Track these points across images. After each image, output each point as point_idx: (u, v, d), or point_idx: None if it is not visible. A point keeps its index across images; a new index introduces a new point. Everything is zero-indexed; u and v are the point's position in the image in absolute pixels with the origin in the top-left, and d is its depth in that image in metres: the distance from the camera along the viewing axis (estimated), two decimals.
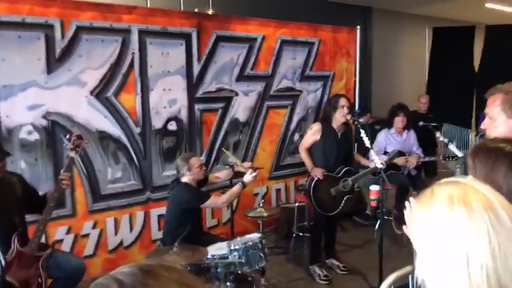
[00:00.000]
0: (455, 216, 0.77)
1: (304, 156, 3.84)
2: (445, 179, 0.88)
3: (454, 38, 8.63)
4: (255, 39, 4.63)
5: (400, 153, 4.52)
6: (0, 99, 3.22)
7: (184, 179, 3.33)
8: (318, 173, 3.69)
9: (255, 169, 3.39)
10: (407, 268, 1.99)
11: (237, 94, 4.56)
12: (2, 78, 3.21)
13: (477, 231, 0.75)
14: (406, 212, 1.22)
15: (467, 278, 0.75)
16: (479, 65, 8.44)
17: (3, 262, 1.91)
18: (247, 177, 3.34)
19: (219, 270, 2.96)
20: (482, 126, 1.67)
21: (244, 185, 3.36)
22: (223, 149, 4.17)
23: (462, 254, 0.76)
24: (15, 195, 2.58)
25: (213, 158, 4.46)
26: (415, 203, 0.87)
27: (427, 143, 5.15)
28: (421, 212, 0.84)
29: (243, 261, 2.94)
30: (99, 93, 3.66)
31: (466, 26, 9.04)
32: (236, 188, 3.35)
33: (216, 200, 3.35)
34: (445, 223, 0.78)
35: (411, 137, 4.85)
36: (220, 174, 3.76)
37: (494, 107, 1.58)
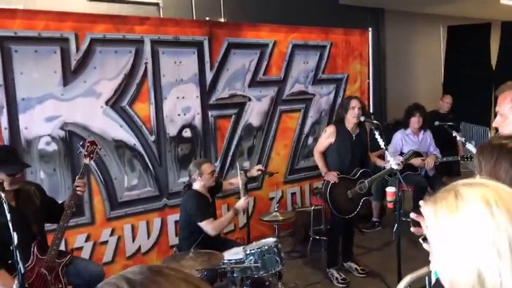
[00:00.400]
0: (495, 219, 0.76)
1: (318, 159, 3.83)
2: (463, 181, 0.87)
3: (469, 35, 8.51)
4: (266, 45, 4.66)
5: (416, 154, 4.47)
6: (19, 112, 3.32)
7: (195, 185, 3.36)
8: (332, 177, 3.67)
9: (263, 174, 3.37)
10: (424, 270, 1.97)
11: (249, 99, 4.58)
12: (21, 92, 3.31)
13: None
14: (421, 214, 1.20)
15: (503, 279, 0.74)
16: (496, 62, 8.29)
17: (23, 270, 1.96)
18: (240, 204, 3.30)
19: (235, 274, 2.98)
20: (494, 125, 1.66)
21: (236, 212, 3.32)
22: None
23: (508, 255, 0.75)
24: (34, 204, 2.65)
25: (227, 164, 4.49)
26: (436, 206, 0.85)
27: (447, 143, 5.07)
28: (448, 215, 0.82)
29: (259, 265, 2.94)
30: (114, 103, 3.74)
31: (481, 23, 8.90)
32: (229, 215, 3.33)
33: (208, 227, 3.25)
34: (485, 226, 0.77)
35: (428, 137, 4.79)
36: (234, 181, 3.77)
37: (505, 105, 1.57)
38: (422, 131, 4.76)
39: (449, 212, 0.81)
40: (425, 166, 4.54)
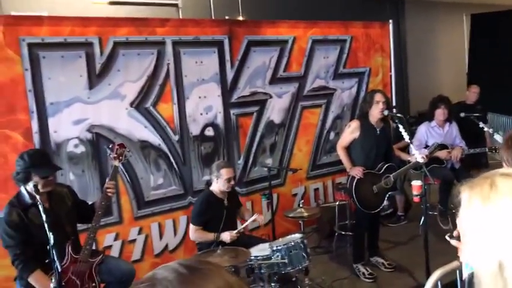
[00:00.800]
0: None
1: (342, 154, 3.81)
2: (502, 170, 0.87)
3: (493, 23, 8.27)
4: (286, 41, 4.66)
5: (442, 146, 4.40)
6: (48, 116, 3.42)
7: (213, 185, 3.42)
8: (357, 172, 3.64)
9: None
10: (454, 263, 1.94)
11: (271, 97, 4.59)
12: (49, 96, 3.41)
13: None
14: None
15: None
16: None
17: (59, 268, 2.03)
18: (224, 236, 3.23)
19: (262, 271, 3.01)
20: None
21: (217, 238, 3.25)
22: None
23: None
24: (66, 206, 2.74)
25: (250, 161, 4.52)
26: (470, 192, 0.85)
27: (474, 134, 4.96)
28: (480, 203, 0.82)
29: (286, 261, 2.96)
30: (139, 104, 3.81)
31: (505, 10, 8.64)
32: (210, 236, 3.28)
33: (191, 231, 3.37)
34: None
35: (453, 129, 4.70)
36: (246, 216, 3.63)
37: None
38: (448, 123, 4.67)
39: (482, 201, 0.82)
40: (451, 159, 4.47)
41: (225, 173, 3.34)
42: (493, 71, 7.88)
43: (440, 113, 4.57)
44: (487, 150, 4.74)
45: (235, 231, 3.31)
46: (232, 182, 3.45)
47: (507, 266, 0.76)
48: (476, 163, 5.13)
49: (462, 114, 4.91)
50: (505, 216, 0.78)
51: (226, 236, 3.23)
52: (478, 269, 0.81)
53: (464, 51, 8.86)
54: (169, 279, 0.71)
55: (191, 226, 3.40)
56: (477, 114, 4.75)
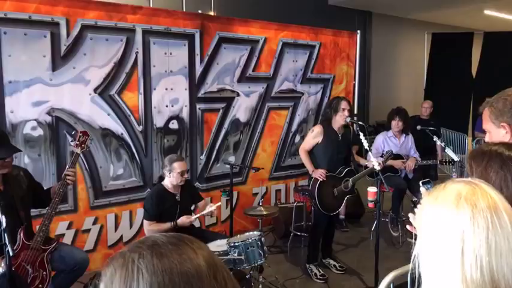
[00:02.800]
0: (459, 210, 0.83)
1: (304, 157, 3.89)
2: (461, 178, 0.94)
3: (452, 43, 8.72)
4: (257, 41, 4.70)
5: (396, 156, 4.59)
6: (5, 95, 3.27)
7: (165, 180, 3.38)
8: (320, 175, 3.74)
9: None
10: (406, 267, 2.05)
11: (238, 95, 4.62)
12: (8, 74, 3.26)
13: (477, 226, 0.81)
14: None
15: (461, 266, 0.81)
16: (476, 71, 8.54)
17: (11, 253, 1.96)
18: (182, 220, 3.25)
19: None
20: (486, 139, 1.75)
21: (175, 225, 3.25)
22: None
23: (459, 244, 0.82)
24: (21, 189, 2.63)
25: (213, 157, 4.52)
26: (427, 195, 0.92)
27: (427, 148, 5.22)
28: (429, 202, 0.89)
29: (242, 258, 2.99)
30: (103, 91, 3.72)
31: (464, 32, 9.14)
32: (166, 226, 3.26)
33: (145, 226, 3.34)
34: (448, 215, 0.84)
35: (409, 140, 4.91)
36: (201, 207, 3.59)
37: (486, 122, 1.68)
38: (404, 135, 4.88)
39: (431, 200, 0.89)
40: (405, 168, 4.68)
41: (177, 166, 3.29)
42: (448, 88, 8.31)
43: (395, 124, 4.77)
44: (438, 162, 5.01)
45: (193, 216, 3.31)
46: (186, 176, 3.41)
47: (446, 265, 0.82)
48: (427, 175, 5.40)
49: (418, 127, 5.15)
50: (442, 215, 0.85)
51: (185, 220, 3.22)
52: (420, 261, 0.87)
53: (424, 67, 9.28)
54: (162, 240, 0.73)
55: (145, 222, 3.33)
56: (432, 128, 5.00)
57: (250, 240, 3.05)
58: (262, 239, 3.17)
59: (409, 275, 2.02)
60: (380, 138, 4.92)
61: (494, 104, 1.63)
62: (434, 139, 4.65)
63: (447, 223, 0.84)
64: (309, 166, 3.85)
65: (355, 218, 5.29)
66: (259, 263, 3.10)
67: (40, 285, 2.49)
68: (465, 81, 8.46)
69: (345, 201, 3.89)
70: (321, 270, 3.86)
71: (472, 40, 8.64)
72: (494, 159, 1.21)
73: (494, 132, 1.64)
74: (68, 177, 2.69)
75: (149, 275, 0.68)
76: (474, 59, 8.63)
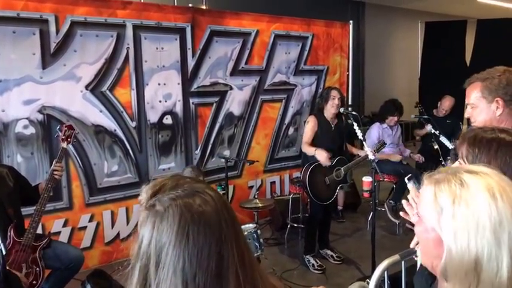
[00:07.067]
0: (499, 211, 0.80)
1: (310, 151, 3.81)
2: (466, 167, 0.90)
3: (446, 32, 8.69)
4: (249, 34, 4.67)
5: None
6: None
7: None
8: (322, 156, 3.67)
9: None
10: (397, 256, 2.05)
11: (231, 88, 4.60)
12: None
13: None
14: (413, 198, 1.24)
15: (499, 269, 0.79)
16: (470, 59, 8.53)
17: (3, 251, 1.95)
18: None
19: None
20: (466, 115, 1.76)
21: None
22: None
23: (504, 247, 0.79)
24: (7, 187, 2.60)
25: (208, 152, 4.51)
26: (436, 188, 0.86)
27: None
28: (450, 201, 0.83)
29: None
30: (94, 87, 3.69)
31: (457, 20, 9.12)
32: None
33: None
34: (489, 217, 0.80)
35: (398, 129, 5.10)
36: None
37: (473, 95, 1.67)
38: (396, 126, 5.00)
39: (451, 198, 0.83)
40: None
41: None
42: (442, 76, 8.30)
43: (394, 119, 4.86)
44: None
45: None
46: None
47: (484, 264, 0.79)
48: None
49: (412, 116, 5.20)
50: (478, 214, 0.80)
51: None
52: (449, 266, 0.82)
53: (418, 56, 9.26)
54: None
55: None
56: (426, 117, 5.02)
57: (245, 233, 3.05)
58: (258, 231, 3.18)
59: (402, 263, 2.04)
60: (375, 129, 4.96)
61: (489, 79, 1.63)
62: (428, 128, 4.67)
63: (487, 225, 0.80)
64: (312, 151, 3.81)
65: (352, 208, 5.32)
66: (255, 255, 3.11)
67: (34, 282, 2.48)
68: (459, 69, 8.44)
69: (337, 190, 3.88)
70: (318, 261, 3.87)
71: (466, 28, 8.61)
72: (503, 148, 1.16)
73: (482, 108, 1.64)
74: (55, 172, 2.68)
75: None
76: (468, 46, 8.61)
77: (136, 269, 0.80)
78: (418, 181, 1.02)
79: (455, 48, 8.53)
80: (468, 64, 8.60)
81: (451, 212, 0.83)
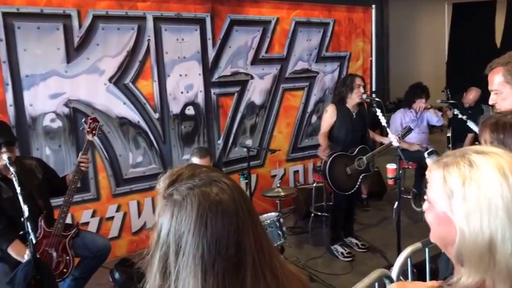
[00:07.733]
0: (510, 188, 0.78)
1: (322, 141, 3.82)
2: (474, 148, 0.87)
3: (474, 13, 8.39)
4: (269, 22, 4.63)
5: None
6: (23, 89, 3.34)
7: None
8: (321, 153, 3.72)
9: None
10: (419, 244, 2.00)
11: (252, 77, 4.58)
12: (25, 69, 3.32)
13: None
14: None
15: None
16: (501, 41, 8.21)
17: (34, 241, 2.02)
18: None
19: None
20: (490, 102, 1.69)
21: None
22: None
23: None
24: (37, 179, 2.69)
25: (230, 141, 4.53)
26: (445, 171, 0.84)
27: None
28: (460, 182, 0.81)
29: None
30: (117, 80, 3.75)
31: (486, 0, 8.77)
32: None
33: None
34: (501, 196, 0.78)
35: (425, 115, 4.89)
36: None
37: (497, 81, 1.60)
38: (425, 114, 4.88)
39: (461, 180, 0.81)
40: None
41: (195, 161, 3.26)
42: (471, 60, 8.02)
43: (421, 101, 4.74)
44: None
45: None
46: None
47: (498, 244, 0.77)
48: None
49: (438, 101, 5.04)
50: (489, 193, 0.78)
51: None
52: (463, 248, 0.80)
53: (445, 40, 8.98)
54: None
55: None
56: (453, 101, 4.86)
57: (268, 221, 3.06)
58: (281, 219, 3.18)
59: (426, 250, 2.00)
60: (398, 115, 4.88)
61: (511, 63, 1.56)
62: (455, 112, 4.52)
63: (499, 205, 0.77)
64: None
65: (377, 196, 5.24)
66: (278, 243, 3.11)
67: (64, 270, 2.57)
68: (489, 51, 8.13)
69: (359, 180, 3.81)
70: (346, 249, 3.84)
71: (495, 9, 8.28)
72: None
73: (507, 93, 1.57)
74: (81, 164, 2.75)
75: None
76: (498, 28, 8.28)
77: (156, 258, 0.82)
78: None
79: (484, 29, 8.22)
80: (499, 45, 8.28)
81: (461, 194, 0.81)
